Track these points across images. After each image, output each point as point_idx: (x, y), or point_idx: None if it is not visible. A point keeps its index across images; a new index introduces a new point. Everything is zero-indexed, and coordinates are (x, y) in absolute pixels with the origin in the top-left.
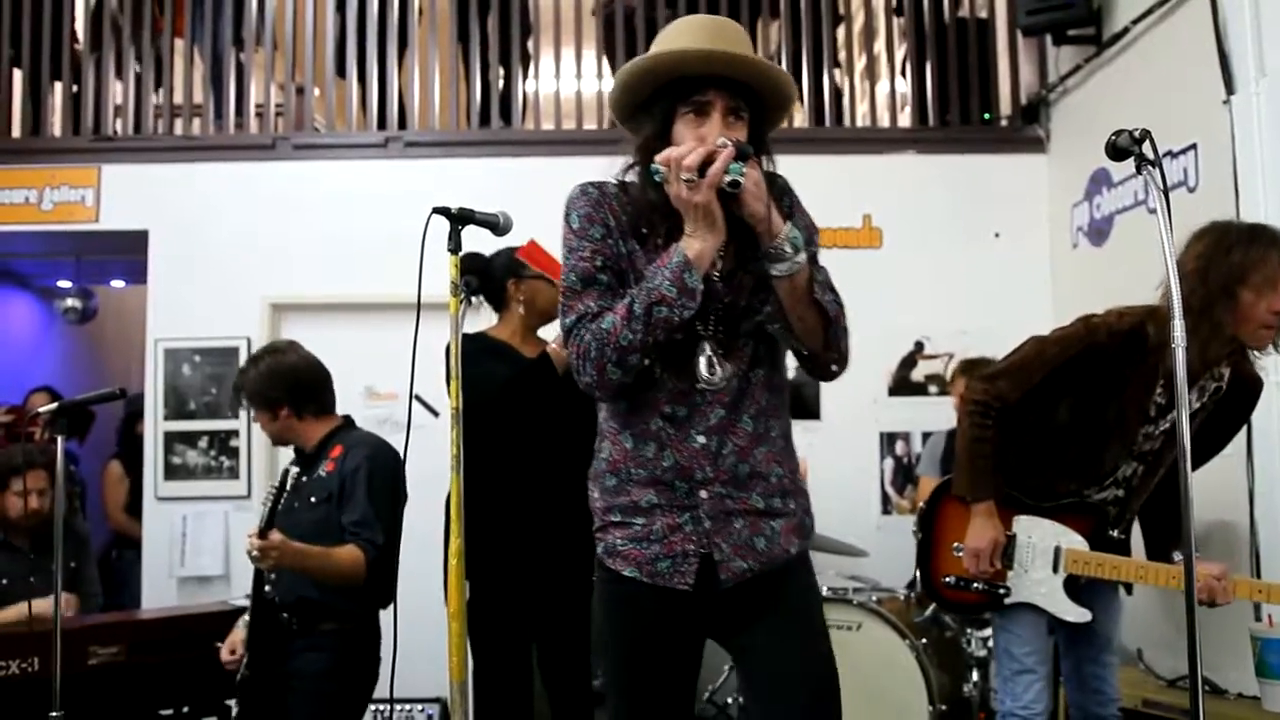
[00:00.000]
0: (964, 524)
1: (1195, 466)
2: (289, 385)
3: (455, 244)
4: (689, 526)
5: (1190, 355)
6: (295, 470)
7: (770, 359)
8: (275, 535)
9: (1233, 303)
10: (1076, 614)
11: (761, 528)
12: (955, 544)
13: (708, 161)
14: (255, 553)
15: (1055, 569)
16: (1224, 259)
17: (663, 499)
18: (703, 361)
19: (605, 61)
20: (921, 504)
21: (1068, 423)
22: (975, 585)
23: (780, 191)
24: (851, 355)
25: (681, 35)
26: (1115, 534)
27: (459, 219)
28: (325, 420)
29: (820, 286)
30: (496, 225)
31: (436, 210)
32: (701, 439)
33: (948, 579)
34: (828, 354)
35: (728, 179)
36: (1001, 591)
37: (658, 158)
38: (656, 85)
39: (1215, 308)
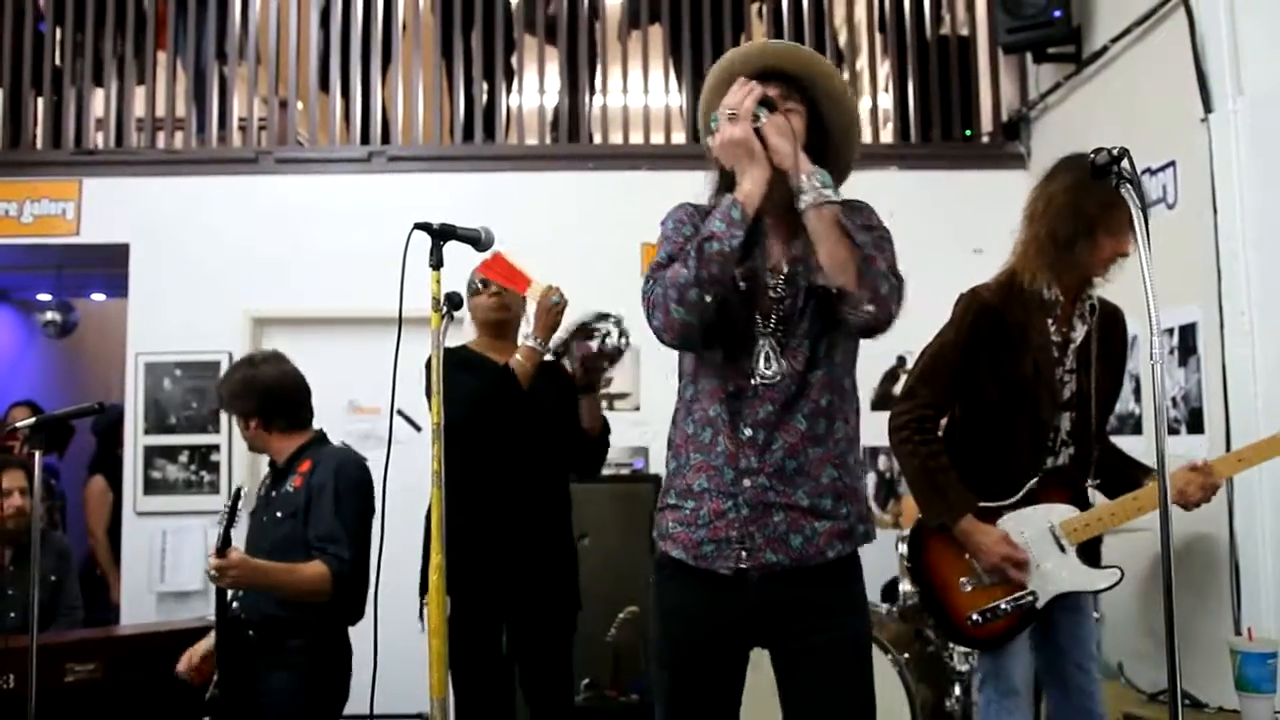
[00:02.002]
0: (957, 556)
1: (1112, 403)
2: (260, 397)
3: (437, 259)
4: (732, 514)
5: (1051, 289)
6: (245, 488)
7: (831, 361)
8: (234, 553)
9: (1091, 241)
10: (1107, 577)
11: (802, 525)
12: (961, 579)
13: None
14: (213, 572)
15: (1062, 548)
16: (1093, 198)
17: (712, 484)
18: (760, 357)
19: (586, 75)
20: (906, 531)
21: (999, 396)
22: (1003, 608)
23: (855, 209)
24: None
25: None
26: (1091, 485)
27: (441, 234)
28: (295, 435)
29: (855, 228)
30: (478, 240)
31: (418, 226)
32: (749, 431)
33: (972, 618)
34: (860, 291)
35: (752, 119)
36: (1030, 599)
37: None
38: (727, 85)
39: (1077, 244)
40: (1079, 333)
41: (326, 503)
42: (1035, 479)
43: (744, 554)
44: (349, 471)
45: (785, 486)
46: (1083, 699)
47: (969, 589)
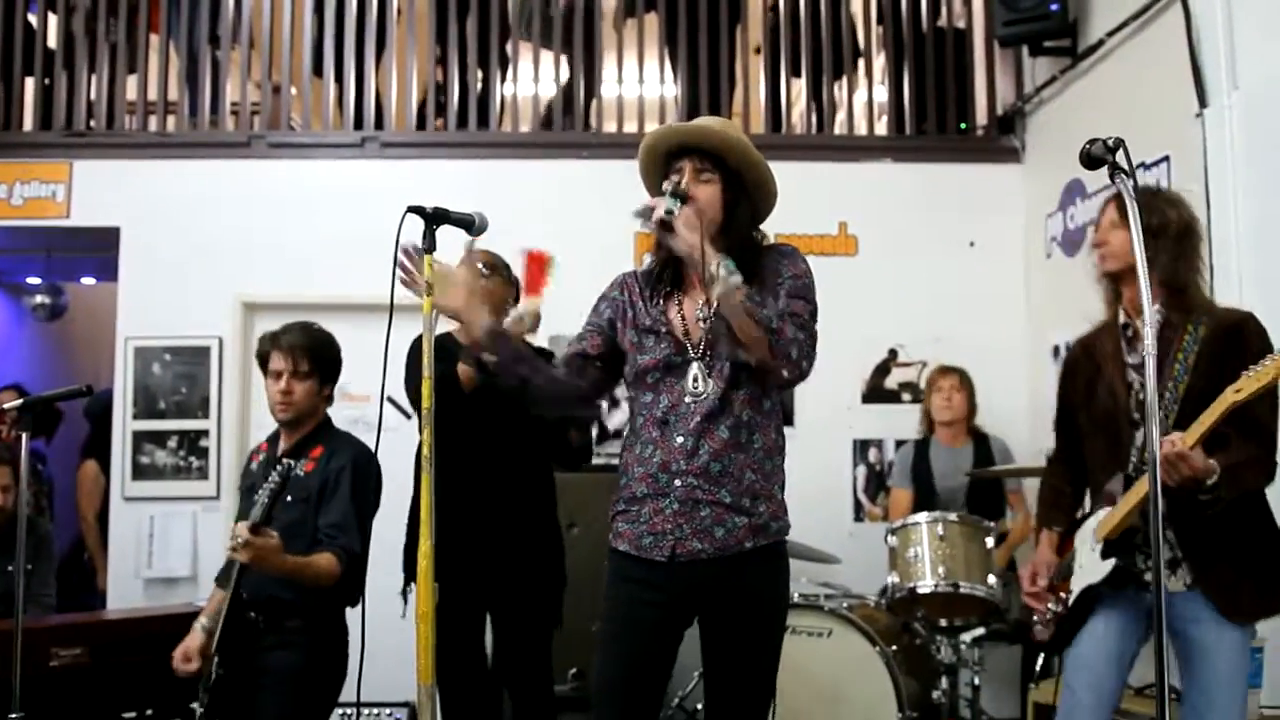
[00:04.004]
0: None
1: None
2: (336, 360)
3: (430, 244)
4: (667, 509)
5: (1124, 313)
6: (291, 463)
7: (752, 382)
8: (272, 537)
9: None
10: (1103, 569)
11: (725, 519)
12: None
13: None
14: (239, 541)
15: (1093, 547)
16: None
17: (650, 489)
18: (690, 378)
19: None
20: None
21: (1087, 425)
22: (1051, 609)
23: (781, 255)
24: (825, 362)
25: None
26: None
27: (434, 218)
28: (321, 412)
29: (755, 305)
30: (471, 224)
31: (411, 209)
32: (680, 439)
33: (1035, 625)
34: (775, 361)
35: (665, 212)
36: (1069, 599)
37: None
38: (658, 159)
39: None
40: (1146, 347)
41: (343, 492)
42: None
43: (675, 542)
44: (365, 462)
45: (711, 486)
46: None
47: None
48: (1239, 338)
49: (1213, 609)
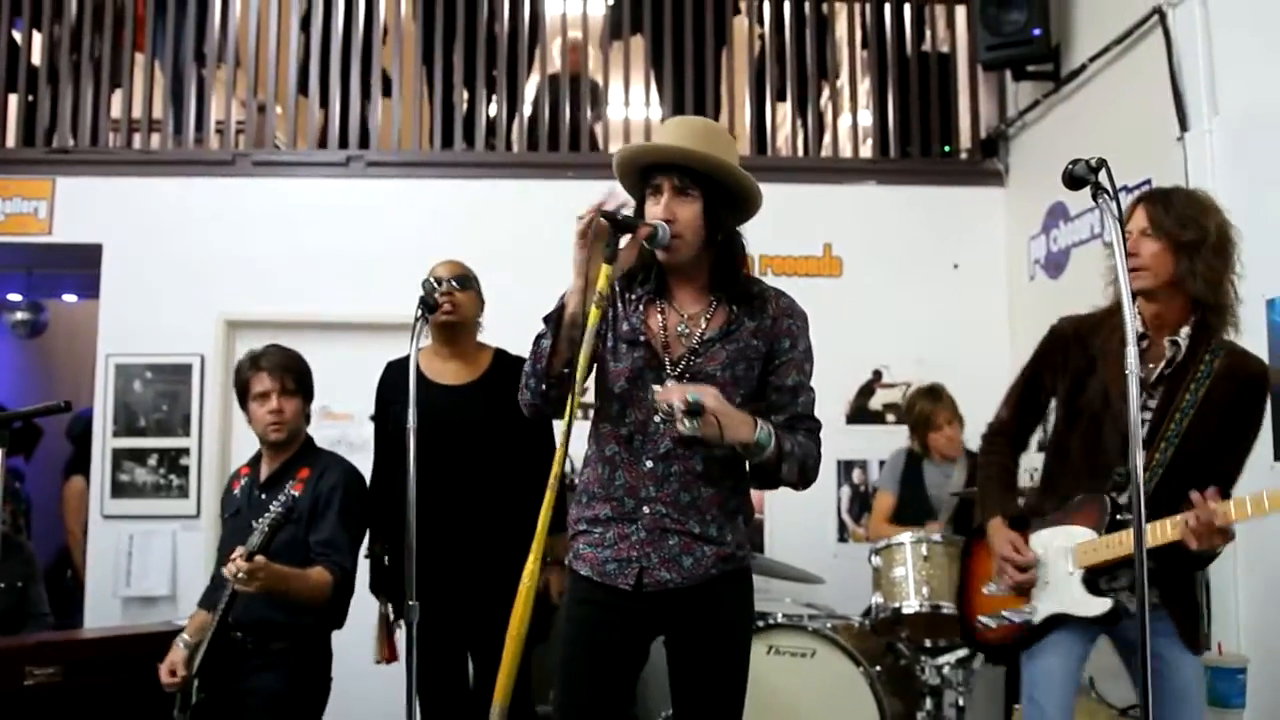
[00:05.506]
0: (991, 561)
1: (1214, 457)
2: (313, 386)
3: (612, 253)
4: (633, 536)
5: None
6: (295, 496)
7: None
8: (260, 558)
9: None
10: (1096, 606)
11: (693, 549)
12: (988, 584)
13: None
14: (242, 575)
15: (1071, 570)
16: None
17: (615, 513)
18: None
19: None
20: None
21: (1065, 421)
22: (1004, 614)
23: (790, 315)
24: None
25: (655, 134)
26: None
27: (621, 225)
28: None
29: (789, 459)
30: (655, 235)
31: (604, 214)
32: (650, 463)
33: (981, 622)
34: (800, 486)
35: (688, 432)
36: (1028, 614)
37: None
38: (634, 171)
39: None
40: (1158, 370)
41: (334, 510)
42: (1073, 501)
43: (641, 571)
44: (355, 482)
45: (680, 515)
46: None
47: (988, 592)
48: (1244, 384)
49: (1174, 632)
